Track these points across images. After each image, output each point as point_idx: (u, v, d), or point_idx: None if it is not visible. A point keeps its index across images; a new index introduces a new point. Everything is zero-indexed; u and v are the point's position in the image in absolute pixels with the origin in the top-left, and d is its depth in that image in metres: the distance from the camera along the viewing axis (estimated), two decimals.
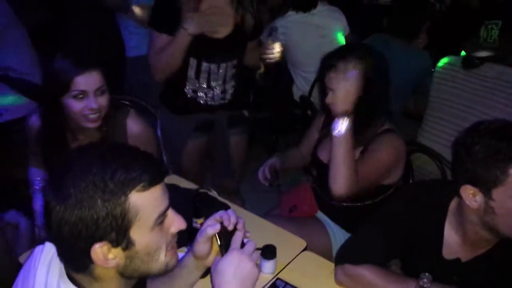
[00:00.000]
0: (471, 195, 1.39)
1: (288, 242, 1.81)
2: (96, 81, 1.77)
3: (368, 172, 1.81)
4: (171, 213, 1.06)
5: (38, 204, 1.97)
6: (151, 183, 0.98)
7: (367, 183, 1.84)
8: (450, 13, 3.99)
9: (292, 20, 3.18)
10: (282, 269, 1.70)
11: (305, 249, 1.81)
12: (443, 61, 2.52)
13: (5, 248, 1.87)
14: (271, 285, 1.63)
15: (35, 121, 1.95)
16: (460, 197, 1.43)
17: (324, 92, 1.86)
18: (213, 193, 2.11)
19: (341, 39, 3.25)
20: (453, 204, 1.53)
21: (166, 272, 1.09)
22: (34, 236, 1.97)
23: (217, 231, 1.21)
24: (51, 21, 3.76)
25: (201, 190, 2.06)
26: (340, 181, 1.76)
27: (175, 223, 1.06)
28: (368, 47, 1.92)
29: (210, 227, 1.22)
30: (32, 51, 3.34)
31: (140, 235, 0.98)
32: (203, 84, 2.32)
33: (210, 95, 2.35)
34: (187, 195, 1.94)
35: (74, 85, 1.74)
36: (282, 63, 3.43)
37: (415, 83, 2.78)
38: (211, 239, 1.25)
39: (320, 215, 2.15)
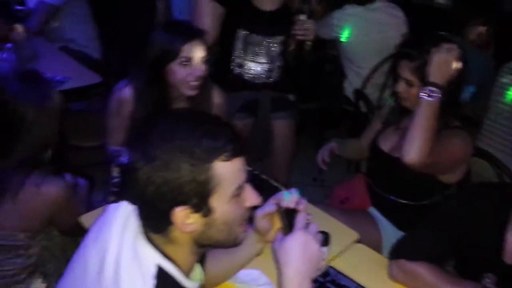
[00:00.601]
0: None
1: (341, 232, 1.80)
2: (201, 50, 1.90)
3: (438, 154, 1.78)
4: (248, 187, 1.07)
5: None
6: (234, 154, 0.98)
7: (434, 165, 1.81)
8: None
9: (349, 14, 3.14)
10: (335, 258, 1.69)
11: (358, 241, 1.80)
12: (509, 66, 2.46)
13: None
14: (323, 272, 1.63)
15: (127, 90, 2.00)
16: None
17: (395, 81, 1.87)
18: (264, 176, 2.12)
19: None
20: None
21: (235, 244, 1.10)
22: (90, 201, 2.03)
23: (275, 209, 1.22)
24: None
25: (255, 172, 2.08)
26: (416, 145, 1.73)
27: (251, 197, 1.07)
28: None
29: (268, 205, 1.24)
30: (93, 25, 3.44)
31: (219, 203, 1.00)
32: (249, 57, 2.34)
33: (256, 70, 2.36)
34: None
35: (182, 52, 1.86)
36: (336, 56, 3.41)
37: (476, 86, 2.72)
38: (271, 216, 1.26)
39: (372, 210, 2.14)
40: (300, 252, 1.11)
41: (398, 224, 2.07)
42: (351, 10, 3.16)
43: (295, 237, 1.12)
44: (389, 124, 2.08)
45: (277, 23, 2.32)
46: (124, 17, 3.57)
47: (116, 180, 1.80)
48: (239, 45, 2.33)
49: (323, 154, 2.22)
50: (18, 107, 1.53)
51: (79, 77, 2.81)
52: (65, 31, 3.28)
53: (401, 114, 2.01)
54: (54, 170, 1.62)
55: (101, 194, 2.30)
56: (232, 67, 2.37)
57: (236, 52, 2.35)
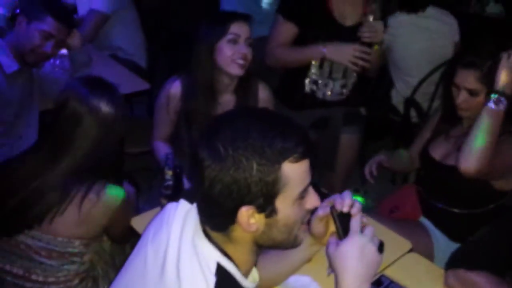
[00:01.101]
0: None
1: (393, 241, 1.75)
2: (247, 31, 2.00)
3: (495, 160, 1.71)
4: (311, 189, 1.05)
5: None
6: (303, 156, 0.97)
7: (490, 172, 1.75)
8: None
9: (401, 21, 3.08)
10: (387, 267, 1.64)
11: (410, 251, 1.75)
12: None
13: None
14: (375, 280, 1.59)
15: (177, 85, 2.11)
16: None
17: (447, 91, 1.85)
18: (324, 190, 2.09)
19: None
20: None
21: (294, 246, 1.09)
22: (138, 205, 2.05)
23: (327, 213, 1.19)
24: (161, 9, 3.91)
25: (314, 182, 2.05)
26: (477, 154, 1.66)
27: (312, 199, 1.05)
28: None
29: (321, 209, 1.20)
30: (141, 34, 3.50)
31: (284, 205, 0.99)
32: (325, 74, 2.29)
33: (329, 87, 2.31)
34: None
35: (230, 30, 1.96)
36: (384, 65, 3.35)
37: None
38: (325, 220, 1.23)
39: (423, 220, 2.07)
40: (358, 256, 1.07)
41: (450, 234, 2.01)
42: (402, 17, 3.10)
43: (352, 241, 1.09)
44: (439, 133, 2.04)
45: (355, 38, 2.22)
46: (174, 26, 3.63)
47: (169, 183, 1.81)
48: (316, 61, 2.27)
49: (371, 167, 2.17)
50: (84, 110, 1.55)
51: (128, 84, 2.86)
52: (113, 39, 3.35)
53: (451, 122, 1.98)
54: (113, 178, 1.63)
55: (144, 200, 2.32)
56: (305, 84, 2.32)
57: (312, 69, 2.28)
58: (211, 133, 0.97)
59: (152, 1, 3.97)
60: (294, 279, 1.50)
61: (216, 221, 1.02)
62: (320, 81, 2.30)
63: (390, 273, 1.62)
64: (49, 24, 2.10)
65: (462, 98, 1.81)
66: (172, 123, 2.16)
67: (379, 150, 3.12)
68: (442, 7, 3.17)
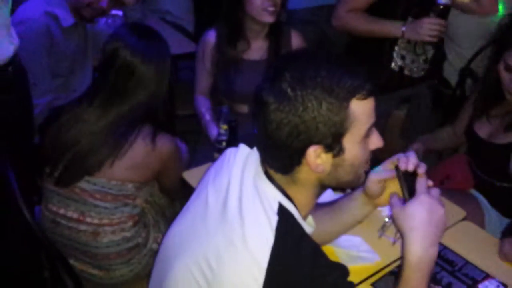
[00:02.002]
0: None
1: (446, 209, 1.71)
2: None
3: None
4: (374, 129, 1.04)
5: (213, 132, 2.08)
6: (370, 93, 0.97)
7: None
8: None
9: None
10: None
11: (464, 219, 1.71)
12: None
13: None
14: None
15: (211, 35, 2.17)
16: None
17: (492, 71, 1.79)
18: None
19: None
20: None
21: (357, 185, 1.10)
22: (190, 160, 2.07)
23: (395, 173, 1.16)
24: None
25: None
26: None
27: (375, 140, 1.05)
28: None
29: (387, 170, 1.18)
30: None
31: (351, 144, 0.98)
32: (412, 49, 2.15)
33: (416, 63, 2.20)
34: None
35: None
36: None
37: None
38: (384, 180, 1.21)
39: (474, 192, 2.02)
40: (426, 216, 1.04)
41: (502, 210, 1.95)
42: None
43: (420, 201, 1.06)
44: (481, 111, 1.96)
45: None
46: None
47: (223, 137, 1.82)
48: None
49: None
50: (136, 60, 1.56)
51: (175, 44, 2.87)
52: (162, 3, 3.36)
53: (493, 102, 1.91)
54: (167, 128, 1.66)
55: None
56: (393, 61, 2.16)
57: (401, 44, 2.13)
58: (275, 76, 0.96)
59: None
60: (345, 239, 1.49)
61: (282, 163, 1.01)
62: (407, 57, 2.17)
63: (444, 240, 1.58)
64: None
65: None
66: (210, 75, 2.22)
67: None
68: None
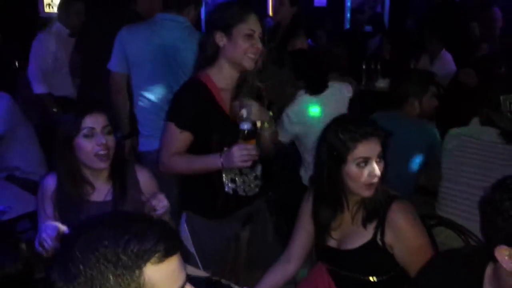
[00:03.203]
0: (507, 257, 1.28)
1: None
2: (102, 120, 1.98)
3: None
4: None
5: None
6: (167, 253, 0.89)
7: None
8: (449, 93, 4.07)
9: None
10: None
11: None
12: (454, 132, 2.51)
13: None
14: None
15: (50, 180, 2.07)
16: (495, 260, 1.33)
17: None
18: (227, 282, 1.98)
19: None
20: (488, 270, 1.42)
21: None
22: None
23: None
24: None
25: (214, 278, 1.94)
26: None
27: None
28: None
29: None
30: (39, 150, 3.36)
31: None
32: (237, 171, 2.17)
33: (247, 183, 2.21)
34: (197, 283, 1.81)
35: (83, 124, 1.94)
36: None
37: (425, 156, 2.74)
38: None
39: None
40: None
41: None
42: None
43: None
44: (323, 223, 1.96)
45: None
46: None
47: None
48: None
49: None
50: None
51: (25, 204, 2.73)
52: (9, 160, 3.19)
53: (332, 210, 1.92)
54: None
55: None
56: (224, 185, 2.17)
57: (226, 169, 2.13)
58: (62, 252, 0.89)
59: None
60: None
61: None
62: (237, 179, 2.19)
63: None
64: None
65: (376, 167, 1.75)
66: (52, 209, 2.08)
67: None
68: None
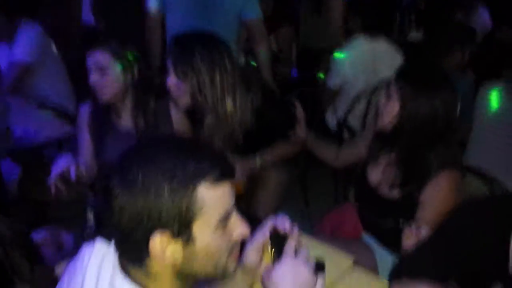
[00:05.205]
0: None
1: (335, 258, 1.69)
2: (102, 59, 2.00)
3: None
4: (235, 216, 0.99)
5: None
6: (220, 178, 0.92)
7: None
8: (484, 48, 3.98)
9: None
10: (332, 284, 1.58)
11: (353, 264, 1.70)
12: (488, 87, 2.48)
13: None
14: None
15: (85, 108, 2.16)
16: None
17: None
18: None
19: None
20: None
21: (223, 277, 1.01)
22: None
23: (267, 237, 1.15)
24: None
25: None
26: None
27: (239, 228, 0.99)
28: None
29: (261, 234, 1.16)
30: (68, 84, 3.40)
31: (203, 232, 0.92)
32: None
33: None
34: None
35: (88, 62, 2.03)
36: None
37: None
38: (261, 247, 1.17)
39: (365, 237, 2.04)
40: (291, 279, 1.03)
41: (393, 249, 1.95)
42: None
43: (284, 264, 1.06)
44: (372, 156, 1.99)
45: None
46: None
47: (90, 224, 1.70)
48: None
49: None
50: None
51: (55, 129, 2.90)
52: (39, 90, 3.23)
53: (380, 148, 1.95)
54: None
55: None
56: None
57: None
58: (122, 162, 0.92)
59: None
60: None
61: (131, 253, 0.95)
62: None
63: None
64: None
65: None
66: (89, 143, 2.17)
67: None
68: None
